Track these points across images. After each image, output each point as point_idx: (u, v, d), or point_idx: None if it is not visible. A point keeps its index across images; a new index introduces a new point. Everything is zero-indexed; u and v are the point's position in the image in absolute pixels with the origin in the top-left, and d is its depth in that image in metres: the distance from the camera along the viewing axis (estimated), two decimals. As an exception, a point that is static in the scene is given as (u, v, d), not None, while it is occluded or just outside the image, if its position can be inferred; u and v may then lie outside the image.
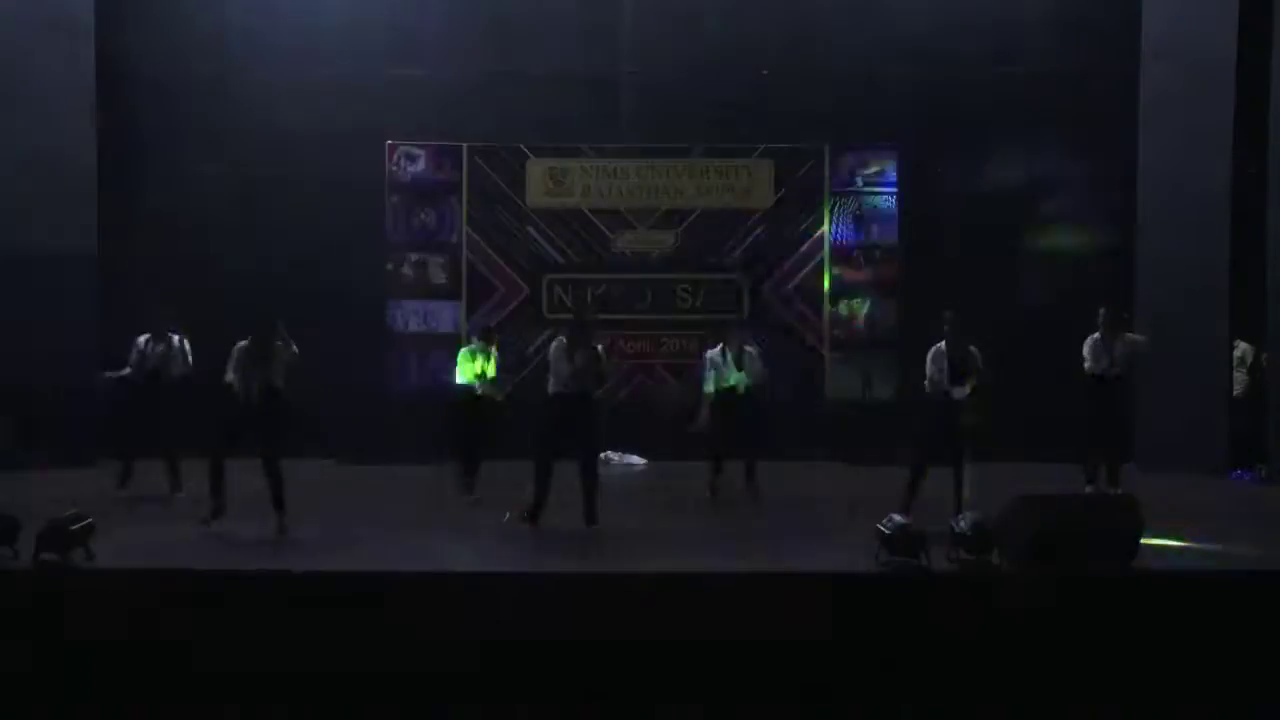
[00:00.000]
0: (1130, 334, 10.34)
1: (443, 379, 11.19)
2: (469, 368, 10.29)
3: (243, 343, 8.43)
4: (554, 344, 8.77)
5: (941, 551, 6.88)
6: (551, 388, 8.61)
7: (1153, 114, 12.36)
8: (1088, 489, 9.95)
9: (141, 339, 10.19)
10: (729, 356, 10.28)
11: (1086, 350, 10.17)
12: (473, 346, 10.51)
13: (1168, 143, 12.18)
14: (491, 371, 10.31)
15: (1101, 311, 10.19)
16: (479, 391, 10.23)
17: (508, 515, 8.82)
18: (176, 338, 10.16)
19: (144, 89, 12.83)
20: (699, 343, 13.24)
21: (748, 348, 10.42)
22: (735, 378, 10.24)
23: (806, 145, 13.42)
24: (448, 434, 10.56)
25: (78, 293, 12.06)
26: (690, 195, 13.44)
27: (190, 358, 10.14)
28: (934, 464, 8.73)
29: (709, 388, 10.27)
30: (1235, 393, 12.19)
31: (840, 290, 13.44)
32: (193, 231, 12.83)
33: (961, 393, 8.65)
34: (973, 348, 8.78)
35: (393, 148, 13.38)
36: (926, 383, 8.81)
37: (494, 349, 10.47)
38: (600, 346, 8.86)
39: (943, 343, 8.79)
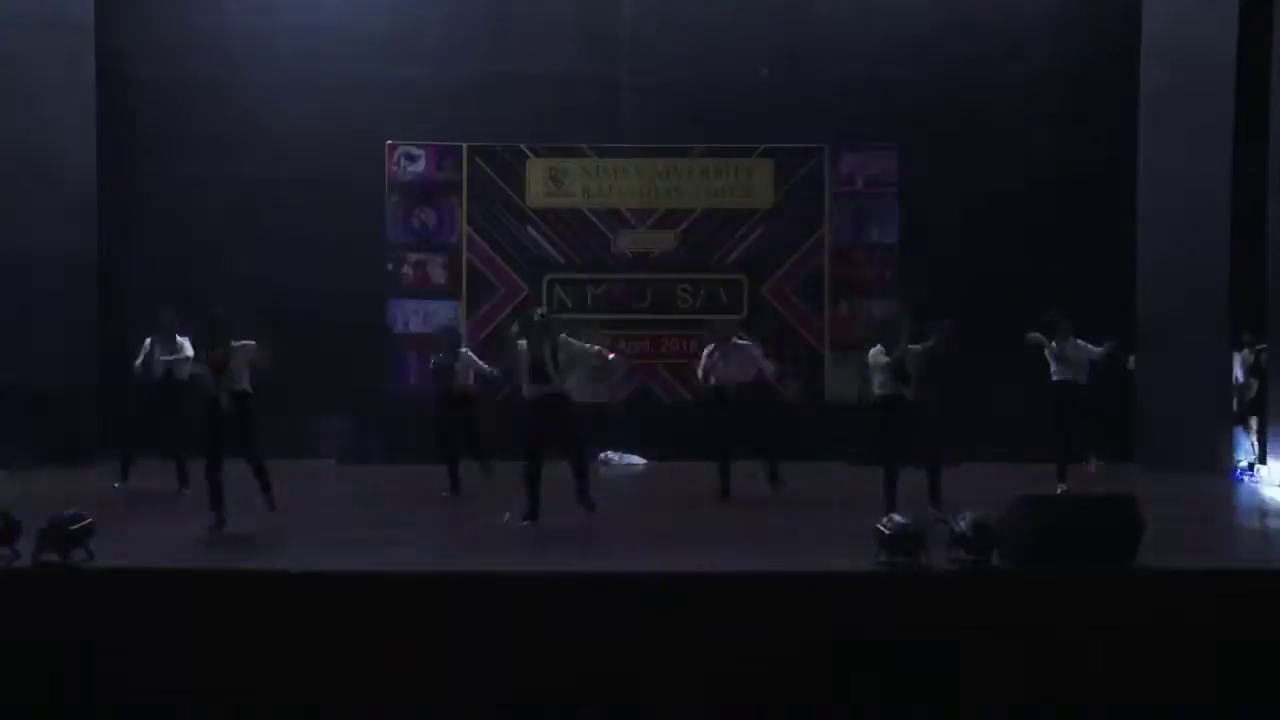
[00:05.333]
0: (1080, 339, 10.43)
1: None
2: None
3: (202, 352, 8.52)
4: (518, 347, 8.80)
5: (942, 551, 6.89)
6: (525, 391, 8.69)
7: (1153, 114, 12.35)
8: (1060, 488, 10.10)
9: (148, 341, 10.30)
10: (716, 355, 10.37)
11: (1050, 357, 10.34)
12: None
13: (1168, 142, 12.17)
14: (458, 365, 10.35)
15: (1057, 318, 10.33)
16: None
17: (507, 515, 8.82)
18: (184, 340, 10.26)
19: (144, 89, 12.83)
20: (699, 343, 13.29)
21: (739, 343, 10.46)
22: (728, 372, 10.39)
23: (806, 145, 13.42)
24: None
25: (77, 293, 12.07)
26: (690, 195, 13.44)
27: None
28: (903, 464, 8.81)
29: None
30: (1250, 396, 12.14)
31: (840, 290, 13.44)
32: (192, 231, 12.82)
33: (910, 390, 8.73)
34: (912, 346, 8.85)
35: (392, 148, 13.38)
36: (876, 386, 8.93)
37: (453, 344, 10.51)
38: (563, 334, 8.88)
39: (885, 347, 8.87)
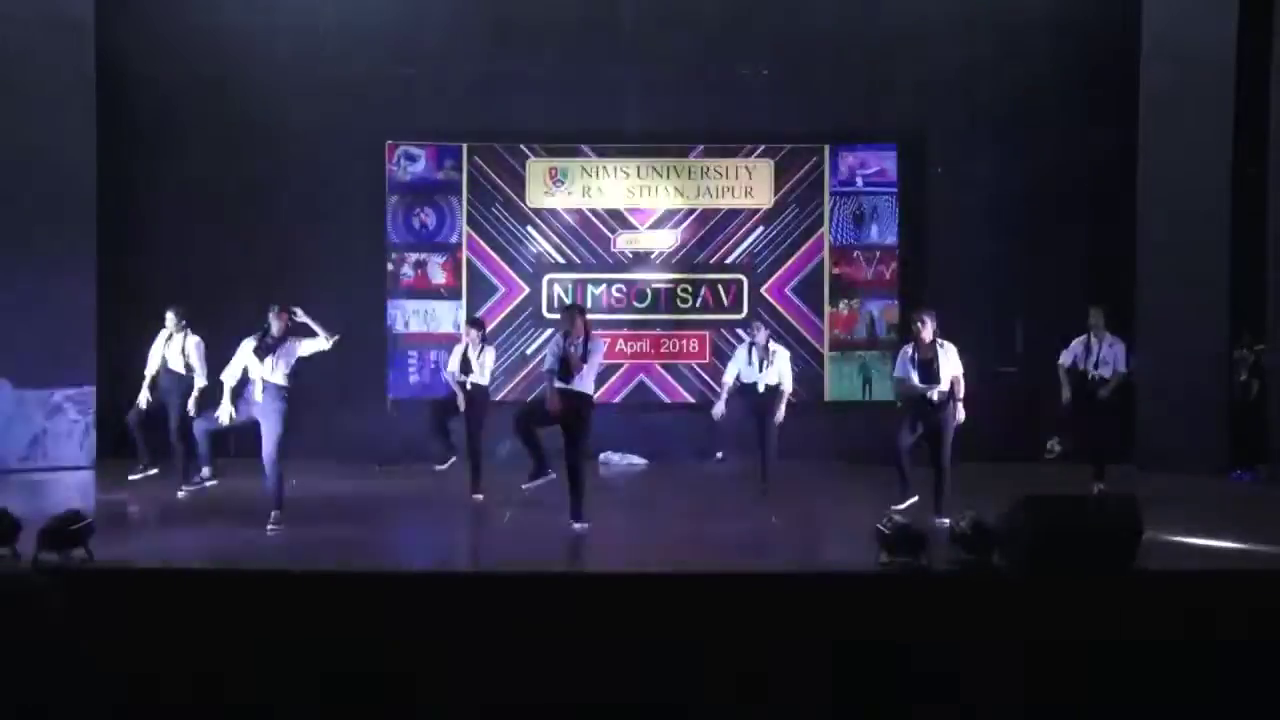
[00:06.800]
0: (1114, 337, 10.41)
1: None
2: (454, 359, 10.39)
3: (250, 339, 8.46)
4: (551, 344, 8.74)
5: (941, 551, 6.89)
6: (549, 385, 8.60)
7: (1153, 114, 12.35)
8: (1097, 488, 10.03)
9: (160, 337, 10.34)
10: (753, 355, 10.37)
11: (1072, 350, 10.31)
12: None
13: (1168, 143, 12.17)
14: (475, 361, 10.30)
15: (1092, 312, 10.31)
16: (466, 384, 10.25)
17: (508, 515, 8.82)
18: (194, 338, 10.32)
19: (144, 89, 12.82)
20: (699, 343, 13.31)
21: (774, 348, 10.49)
22: (754, 376, 10.35)
23: (806, 145, 13.42)
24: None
25: (77, 292, 12.05)
26: (690, 195, 13.44)
27: (204, 357, 10.33)
28: (914, 462, 8.80)
29: (727, 378, 10.47)
30: (1250, 396, 12.13)
31: (840, 290, 13.44)
32: (193, 231, 12.81)
33: (935, 392, 8.70)
34: (943, 345, 8.81)
35: (393, 148, 13.38)
36: (895, 383, 8.90)
37: (480, 339, 10.48)
38: (599, 340, 8.82)
39: (910, 344, 8.86)
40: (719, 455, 10.39)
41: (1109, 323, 10.43)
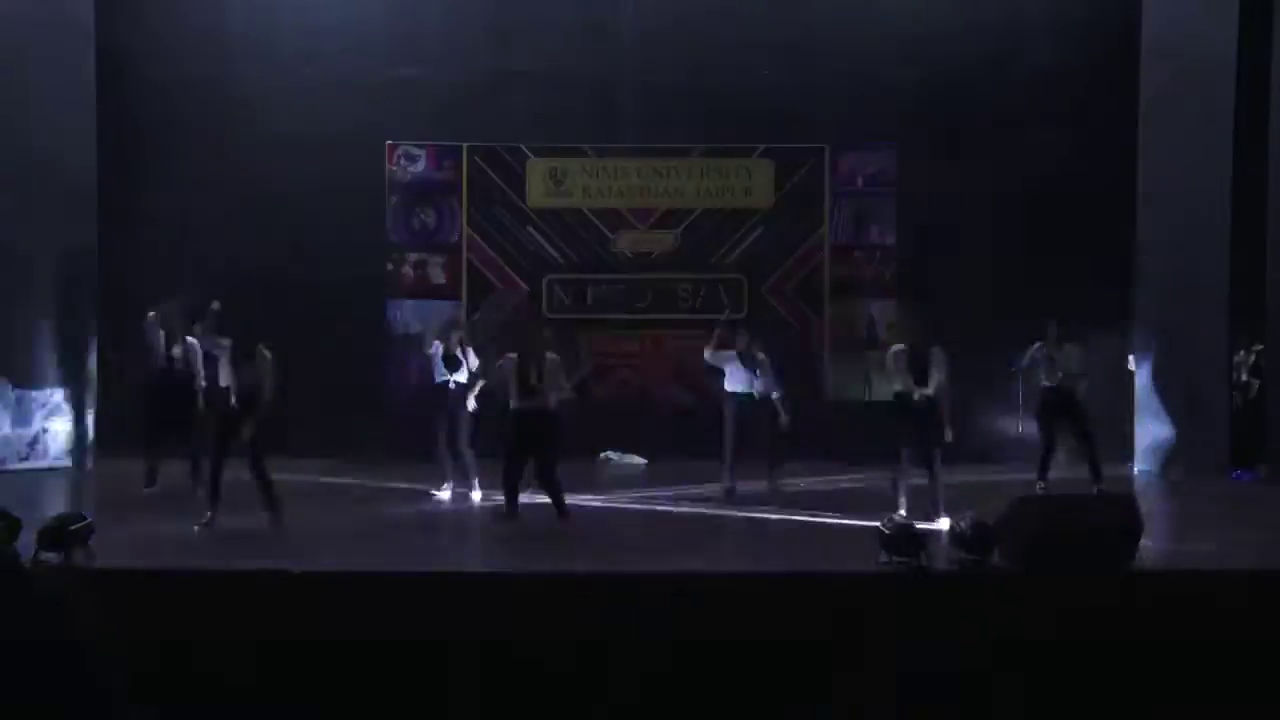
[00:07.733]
0: (1072, 345, 10.50)
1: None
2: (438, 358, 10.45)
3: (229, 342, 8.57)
4: (504, 363, 8.76)
5: (942, 551, 6.90)
6: (512, 403, 8.64)
7: (1153, 114, 12.35)
8: (1039, 485, 10.21)
9: (160, 340, 10.33)
10: (744, 360, 10.42)
11: (1036, 361, 10.48)
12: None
13: (1168, 143, 12.17)
14: (459, 361, 10.34)
15: (1051, 324, 10.38)
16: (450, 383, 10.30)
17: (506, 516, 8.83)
18: (192, 340, 10.34)
19: (144, 89, 12.82)
20: (699, 343, 13.29)
21: (758, 354, 10.53)
22: (749, 382, 10.45)
23: (806, 145, 13.41)
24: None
25: (78, 293, 12.06)
26: (690, 195, 13.44)
27: (201, 360, 10.36)
28: (912, 464, 8.81)
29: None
30: (1250, 396, 12.14)
31: (840, 290, 13.43)
32: (193, 232, 12.82)
33: (924, 393, 8.70)
34: (936, 348, 8.83)
35: (393, 148, 13.38)
36: (898, 384, 8.92)
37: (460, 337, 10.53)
38: (556, 357, 8.84)
39: (902, 344, 8.88)
40: (730, 486, 10.39)
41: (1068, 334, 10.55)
